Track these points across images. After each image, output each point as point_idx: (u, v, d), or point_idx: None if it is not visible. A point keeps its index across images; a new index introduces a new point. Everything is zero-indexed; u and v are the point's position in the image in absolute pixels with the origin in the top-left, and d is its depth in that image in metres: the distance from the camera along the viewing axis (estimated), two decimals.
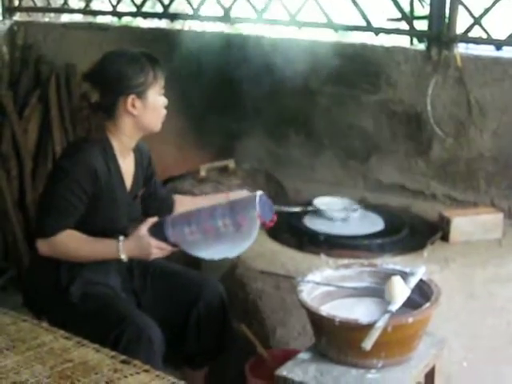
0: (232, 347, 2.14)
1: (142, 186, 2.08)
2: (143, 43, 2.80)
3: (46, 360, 1.47)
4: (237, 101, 3.09)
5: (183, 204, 2.18)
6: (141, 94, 1.89)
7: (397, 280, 1.79)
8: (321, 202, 2.53)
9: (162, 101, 1.95)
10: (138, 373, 1.43)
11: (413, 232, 2.42)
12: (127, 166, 2.00)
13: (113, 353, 1.52)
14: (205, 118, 3.26)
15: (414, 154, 2.78)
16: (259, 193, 1.83)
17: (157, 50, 2.17)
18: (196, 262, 2.12)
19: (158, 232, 1.84)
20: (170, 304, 2.07)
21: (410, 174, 2.81)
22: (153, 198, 2.15)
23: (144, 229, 1.85)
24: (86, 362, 1.47)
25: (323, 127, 2.98)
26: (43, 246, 1.89)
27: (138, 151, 2.05)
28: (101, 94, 1.88)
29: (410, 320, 1.67)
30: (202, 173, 2.81)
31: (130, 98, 1.89)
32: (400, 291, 1.76)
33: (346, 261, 2.10)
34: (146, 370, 1.44)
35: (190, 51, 2.96)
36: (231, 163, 2.89)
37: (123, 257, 1.87)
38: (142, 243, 1.84)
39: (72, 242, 1.88)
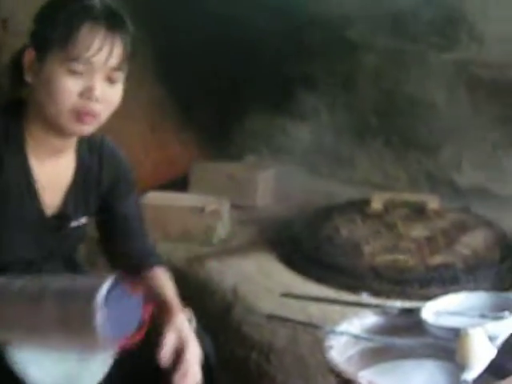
0: None
1: (92, 211, 1.95)
2: None
3: None
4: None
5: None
6: (40, 53, 1.69)
7: (475, 334, 1.74)
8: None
9: (69, 84, 1.67)
10: None
11: None
12: (53, 171, 1.85)
13: None
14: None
15: (508, 144, 2.78)
16: (110, 280, 1.53)
17: None
18: None
19: None
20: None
21: (501, 175, 2.81)
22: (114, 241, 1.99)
23: None
24: None
25: (369, 99, 2.97)
26: None
27: (93, 155, 1.90)
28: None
29: None
30: (377, 204, 2.60)
31: (28, 51, 1.71)
32: (480, 351, 1.72)
33: (398, 303, 2.09)
34: None
35: None
36: (431, 200, 2.59)
37: None
38: None
39: None
